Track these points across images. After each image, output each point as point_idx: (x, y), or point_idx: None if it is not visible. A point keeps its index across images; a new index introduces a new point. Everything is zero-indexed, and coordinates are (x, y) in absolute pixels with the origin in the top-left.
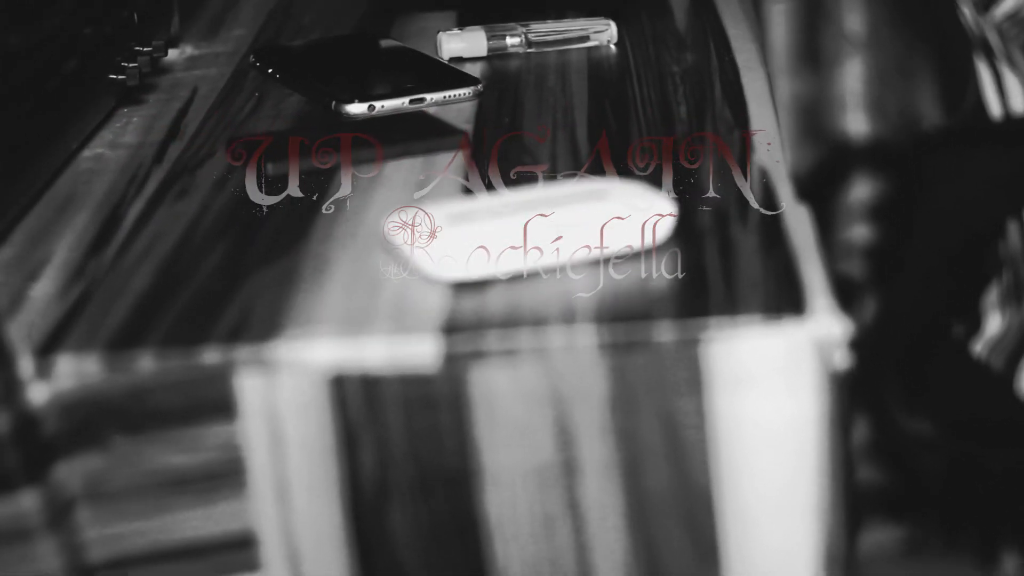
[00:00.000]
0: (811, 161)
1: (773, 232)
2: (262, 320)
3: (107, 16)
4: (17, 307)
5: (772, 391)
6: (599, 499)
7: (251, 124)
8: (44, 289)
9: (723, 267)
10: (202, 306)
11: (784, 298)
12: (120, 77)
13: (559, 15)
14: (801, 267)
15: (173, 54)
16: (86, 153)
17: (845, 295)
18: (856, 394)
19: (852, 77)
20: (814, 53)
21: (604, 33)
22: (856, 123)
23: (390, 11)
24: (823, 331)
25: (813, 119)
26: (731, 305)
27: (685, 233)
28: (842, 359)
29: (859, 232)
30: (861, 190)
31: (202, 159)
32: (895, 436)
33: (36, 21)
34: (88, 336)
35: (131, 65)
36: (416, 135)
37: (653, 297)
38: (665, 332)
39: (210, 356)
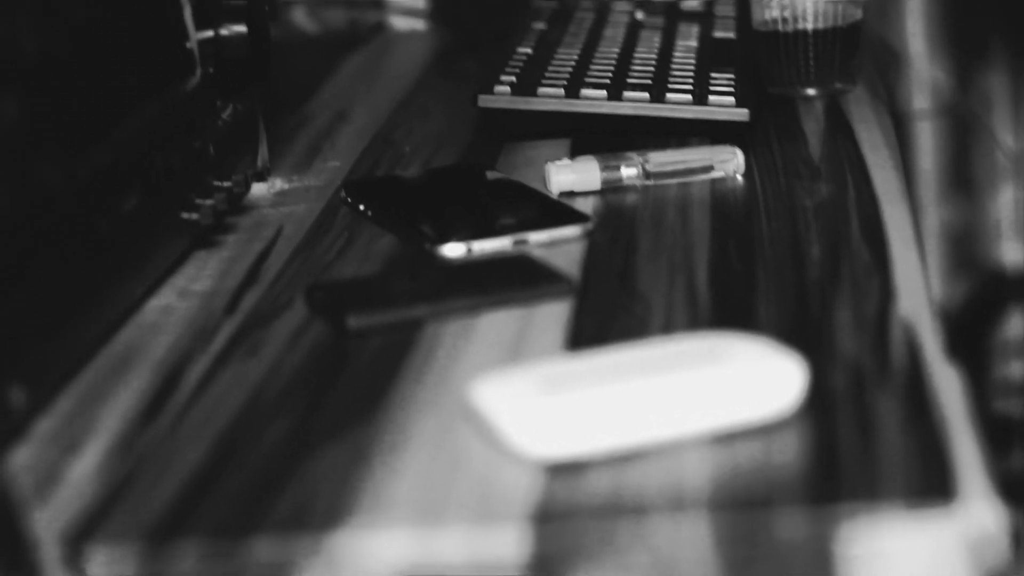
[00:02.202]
0: (963, 294)
1: (917, 398)
2: (325, 505)
3: (173, 146)
4: (50, 487)
5: None
6: None
7: (337, 268)
8: (84, 466)
9: (859, 443)
10: (259, 488)
11: (930, 482)
12: (193, 216)
13: (681, 142)
14: (952, 443)
15: (260, 188)
16: (153, 303)
17: (1002, 437)
18: None
19: (1006, 202)
20: (965, 177)
21: (730, 163)
22: (1012, 251)
23: (498, 139)
24: (977, 524)
25: (964, 249)
26: (868, 490)
27: (815, 399)
28: (1000, 557)
29: (1018, 369)
30: (1019, 323)
31: (279, 309)
32: None
33: (81, 153)
34: (126, 524)
35: (206, 202)
36: (516, 281)
37: (777, 480)
38: (789, 524)
39: (262, 550)
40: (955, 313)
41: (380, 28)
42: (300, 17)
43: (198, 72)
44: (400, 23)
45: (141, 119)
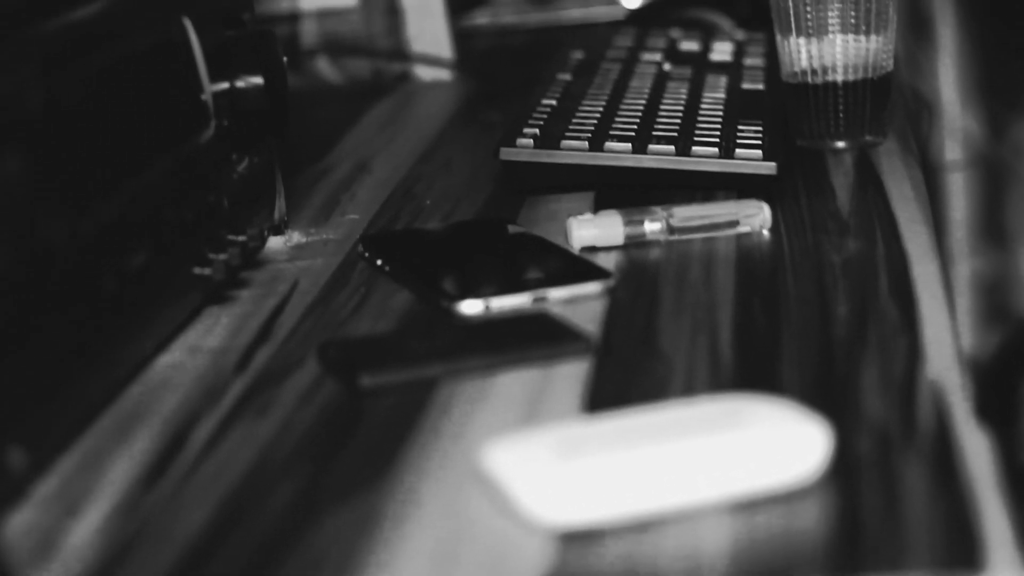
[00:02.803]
0: (995, 345)
1: (945, 464)
2: (332, 572)
3: (186, 200)
4: (49, 552)
5: None
6: None
7: (352, 324)
8: (84, 530)
9: (884, 511)
10: (264, 554)
11: (958, 553)
12: (205, 271)
13: (707, 196)
14: (981, 512)
15: (277, 242)
16: (164, 359)
17: None
18: None
19: None
20: (998, 227)
21: (756, 218)
22: None
23: (520, 193)
24: None
25: (996, 300)
26: (892, 561)
27: (839, 464)
28: None
29: None
30: None
31: (290, 367)
32: None
33: (87, 209)
34: None
35: (219, 257)
36: (534, 339)
37: (797, 550)
38: None
39: None
40: (986, 364)
41: (404, 78)
42: (323, 67)
43: (212, 125)
44: (425, 73)
45: (152, 173)
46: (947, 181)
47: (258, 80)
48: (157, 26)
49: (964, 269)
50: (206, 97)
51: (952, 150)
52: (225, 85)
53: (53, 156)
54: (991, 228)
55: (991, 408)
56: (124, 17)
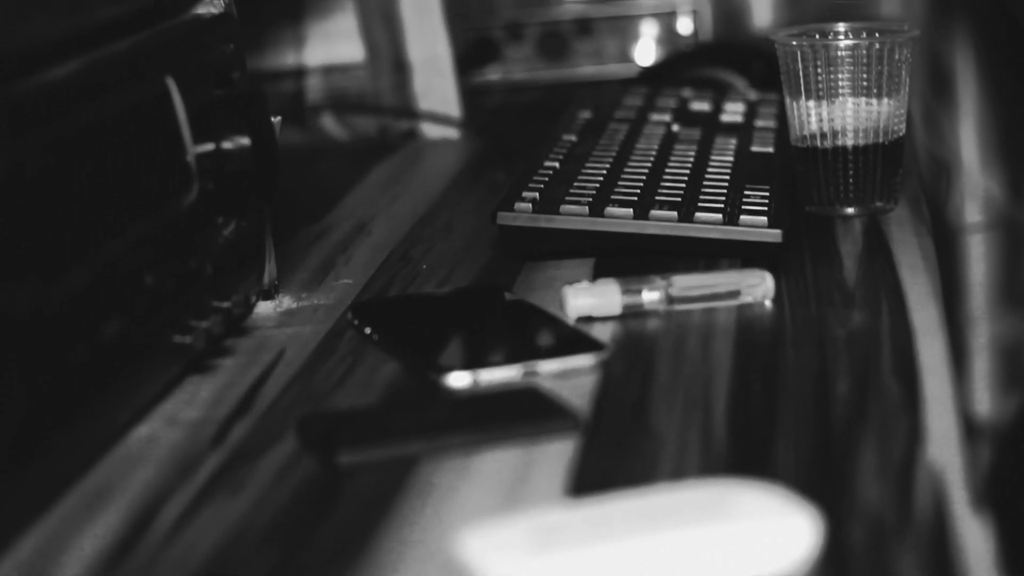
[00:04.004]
0: (1013, 409)
1: (941, 557)
2: None
3: (165, 266)
4: None
5: None
6: None
7: (336, 397)
8: None
9: None
10: None
11: None
12: (186, 339)
13: (711, 263)
14: None
15: (267, 307)
16: (140, 431)
17: None
18: None
19: None
20: (1018, 290)
21: (758, 288)
22: None
23: (519, 258)
24: None
25: (1015, 363)
26: None
27: (830, 554)
28: None
29: None
30: None
31: (268, 442)
32: None
33: (56, 277)
34: None
35: (201, 324)
36: (520, 416)
37: None
38: None
39: None
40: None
41: (411, 136)
42: (328, 123)
43: (195, 188)
44: (432, 131)
45: (129, 237)
46: (966, 243)
47: (244, 141)
48: (138, 86)
49: (982, 333)
50: (189, 159)
51: (972, 212)
52: (211, 146)
53: (25, 219)
54: (1010, 291)
55: (1003, 481)
56: (104, 76)
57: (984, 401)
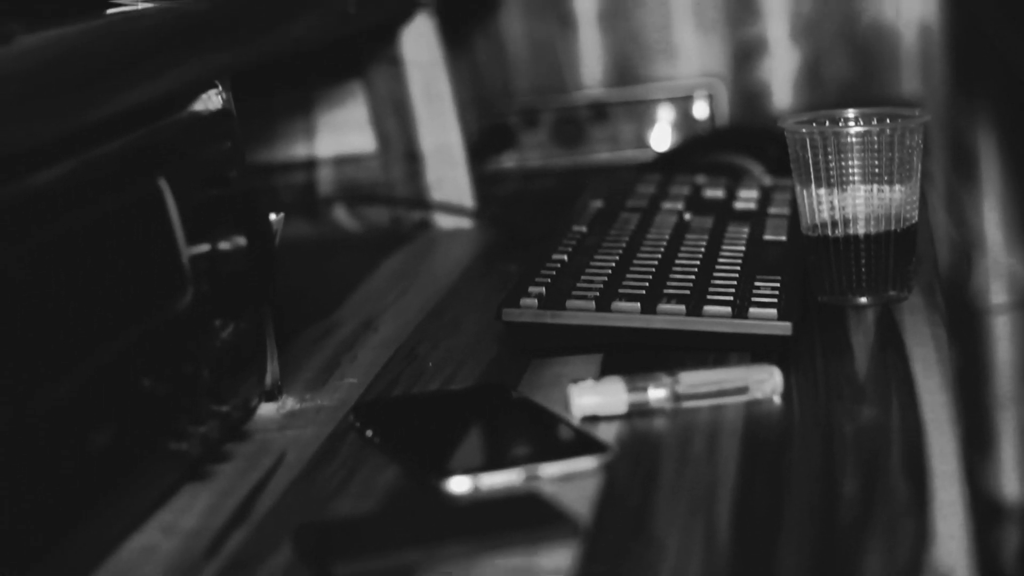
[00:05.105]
0: None
1: None
2: None
3: (159, 372)
4: None
5: None
6: None
7: (335, 503)
8: None
9: None
10: None
11: None
12: (182, 446)
13: (720, 358)
14: None
15: (270, 409)
16: (137, 540)
17: None
18: None
19: None
20: None
21: (767, 383)
22: None
23: (525, 355)
24: None
25: None
26: None
27: None
28: None
29: None
30: None
31: (264, 552)
32: None
33: (41, 387)
34: None
35: (200, 430)
36: (519, 522)
37: None
38: None
39: None
40: None
41: (424, 226)
42: (341, 215)
43: (190, 290)
44: (445, 221)
45: (121, 342)
46: (991, 325)
47: (240, 242)
48: (131, 187)
49: (1010, 415)
50: (183, 260)
51: (997, 292)
52: (206, 247)
53: (16, 324)
54: None
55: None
56: (95, 178)
57: (1011, 485)
